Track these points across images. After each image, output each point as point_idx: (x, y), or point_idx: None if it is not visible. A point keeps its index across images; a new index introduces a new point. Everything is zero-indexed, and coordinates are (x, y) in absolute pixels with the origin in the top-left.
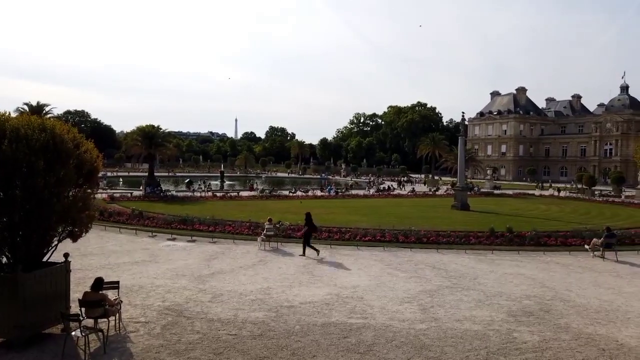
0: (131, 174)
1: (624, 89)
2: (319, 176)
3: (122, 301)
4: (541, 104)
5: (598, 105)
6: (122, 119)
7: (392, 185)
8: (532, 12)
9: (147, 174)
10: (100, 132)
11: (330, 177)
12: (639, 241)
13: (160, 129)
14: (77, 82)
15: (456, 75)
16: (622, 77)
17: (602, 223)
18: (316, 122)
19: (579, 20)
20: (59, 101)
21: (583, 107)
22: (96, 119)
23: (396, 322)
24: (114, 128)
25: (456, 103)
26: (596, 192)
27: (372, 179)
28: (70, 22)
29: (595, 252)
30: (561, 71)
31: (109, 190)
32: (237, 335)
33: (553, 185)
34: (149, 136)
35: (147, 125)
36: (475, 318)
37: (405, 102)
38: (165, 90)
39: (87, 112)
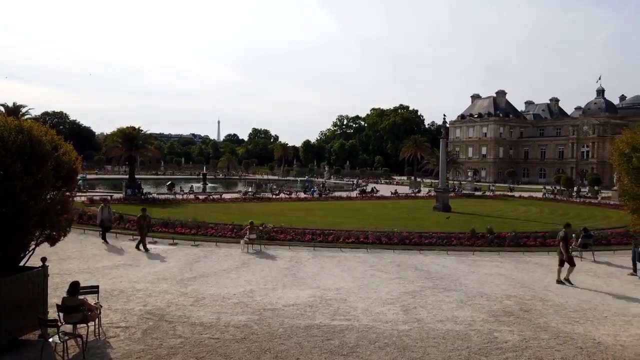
0: (111, 176)
1: (600, 92)
2: (302, 178)
3: (101, 306)
4: (520, 107)
5: (575, 108)
6: (103, 121)
7: (374, 187)
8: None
9: (127, 176)
10: (79, 134)
11: (314, 179)
12: (615, 241)
13: (141, 130)
14: (55, 82)
15: (441, 74)
16: (598, 81)
17: (579, 224)
18: (299, 124)
19: (556, 27)
20: (36, 102)
21: (561, 110)
22: (75, 120)
23: (379, 323)
24: (94, 130)
25: (438, 104)
26: (574, 194)
27: (358, 181)
28: (47, 19)
29: (573, 253)
30: (540, 75)
31: (88, 193)
32: (220, 339)
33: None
34: (130, 138)
35: (127, 127)
36: (457, 318)
37: (388, 104)
38: (146, 91)
39: (65, 114)
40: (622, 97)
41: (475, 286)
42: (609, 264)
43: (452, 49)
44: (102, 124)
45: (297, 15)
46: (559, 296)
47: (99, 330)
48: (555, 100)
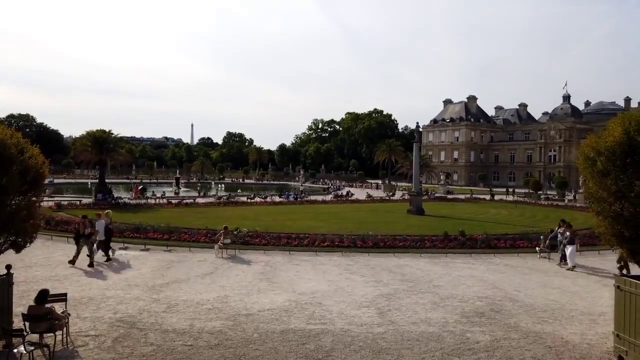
0: (80, 180)
1: (566, 98)
2: (278, 182)
3: (69, 314)
4: (491, 111)
5: (543, 113)
6: (71, 123)
7: (349, 191)
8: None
9: (97, 180)
10: (46, 137)
11: (290, 183)
12: (581, 243)
13: (112, 133)
14: (19, 82)
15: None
16: (564, 87)
17: (547, 226)
18: (275, 128)
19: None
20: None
21: (529, 115)
22: (42, 123)
23: (354, 326)
24: (62, 133)
25: (411, 109)
26: (542, 197)
27: (337, 184)
28: (11, 15)
29: (541, 254)
30: (509, 80)
31: (55, 198)
32: (193, 346)
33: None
34: (100, 141)
35: (97, 130)
36: (430, 320)
37: (364, 107)
38: (117, 91)
39: (32, 116)
40: (587, 103)
41: (448, 288)
42: (576, 265)
43: (435, 47)
44: (71, 127)
45: (276, 6)
46: (528, 297)
47: (67, 339)
48: (523, 106)
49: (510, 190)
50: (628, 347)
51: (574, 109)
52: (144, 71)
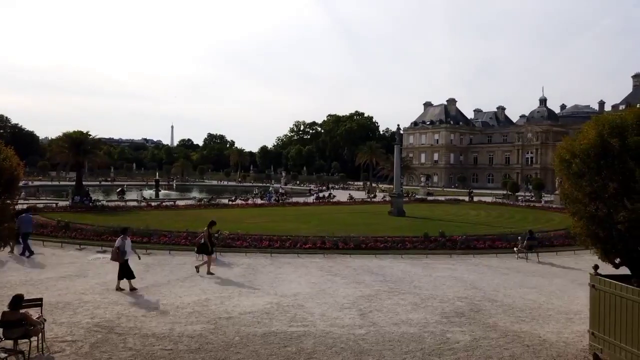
0: (57, 183)
1: (543, 101)
2: (260, 184)
3: (45, 319)
4: (470, 114)
5: (520, 116)
6: (47, 125)
7: (331, 192)
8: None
9: (74, 183)
10: (21, 139)
11: (272, 185)
12: (558, 243)
13: (90, 135)
14: None
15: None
16: (542, 91)
17: (525, 227)
18: (256, 130)
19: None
20: None
21: (507, 118)
22: (17, 124)
23: (336, 328)
24: (38, 134)
25: (392, 111)
26: (519, 198)
27: (322, 186)
28: None
29: (519, 254)
30: (487, 83)
31: (31, 201)
32: (173, 350)
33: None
34: (77, 143)
35: (74, 132)
36: (411, 321)
37: (344, 110)
38: (94, 91)
39: (6, 117)
40: (563, 106)
41: (429, 288)
42: (552, 265)
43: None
44: (47, 128)
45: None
46: (507, 297)
47: (42, 345)
48: (501, 109)
49: (472, 191)
50: (603, 344)
51: (550, 112)
52: (123, 70)
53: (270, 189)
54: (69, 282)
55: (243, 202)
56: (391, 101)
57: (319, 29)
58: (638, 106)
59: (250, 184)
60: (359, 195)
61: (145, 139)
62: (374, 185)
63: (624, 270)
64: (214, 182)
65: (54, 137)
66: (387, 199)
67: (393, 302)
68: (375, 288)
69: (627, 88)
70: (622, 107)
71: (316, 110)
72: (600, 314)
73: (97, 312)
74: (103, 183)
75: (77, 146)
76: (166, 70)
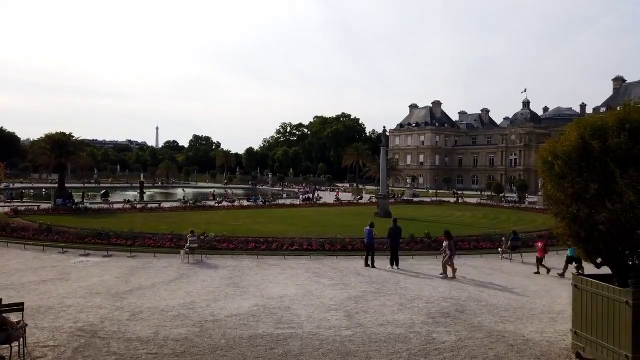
0: (39, 185)
1: (526, 104)
2: (246, 186)
3: (27, 324)
4: (455, 116)
5: (504, 118)
6: (29, 126)
7: (318, 194)
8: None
9: (57, 185)
10: (2, 140)
11: (259, 187)
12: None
13: (73, 136)
14: None
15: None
16: (524, 92)
17: (509, 227)
18: (243, 132)
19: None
20: None
21: (491, 120)
22: None
23: (323, 330)
24: (19, 136)
25: (378, 113)
26: (507, 198)
27: (310, 187)
28: None
29: (504, 255)
30: (471, 86)
31: (12, 203)
32: (158, 354)
33: (461, 192)
34: (60, 145)
35: (57, 133)
36: (397, 322)
37: (331, 112)
38: (78, 91)
39: None
40: (545, 109)
41: (415, 289)
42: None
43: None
44: (29, 129)
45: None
46: (491, 297)
47: (23, 350)
48: (486, 111)
49: (460, 193)
50: (585, 343)
51: (533, 114)
52: (107, 71)
53: (259, 193)
54: (51, 286)
55: (229, 204)
56: (379, 102)
57: (310, 27)
58: (619, 109)
59: (237, 186)
60: (346, 197)
61: (130, 141)
62: (360, 187)
63: (606, 270)
64: (203, 184)
65: (36, 138)
66: (374, 200)
67: (379, 304)
68: (361, 289)
69: (608, 91)
70: (603, 109)
71: (303, 112)
72: (583, 313)
73: (81, 317)
74: (87, 185)
75: (60, 148)
76: (152, 70)
